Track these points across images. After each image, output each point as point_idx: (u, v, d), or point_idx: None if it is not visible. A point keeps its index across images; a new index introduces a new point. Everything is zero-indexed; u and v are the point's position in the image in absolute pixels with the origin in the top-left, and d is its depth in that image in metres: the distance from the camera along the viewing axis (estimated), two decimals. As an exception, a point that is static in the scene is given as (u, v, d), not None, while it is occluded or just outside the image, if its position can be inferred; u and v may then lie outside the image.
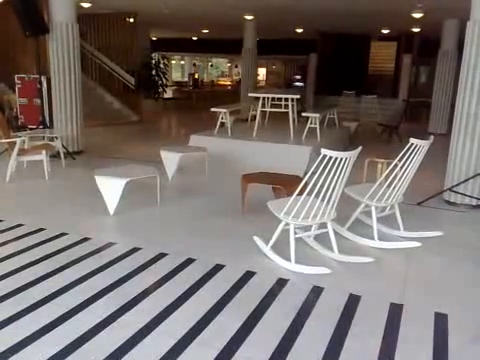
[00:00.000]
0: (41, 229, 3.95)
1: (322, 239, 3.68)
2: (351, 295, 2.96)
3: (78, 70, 7.05)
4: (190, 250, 3.59)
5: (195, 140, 7.15)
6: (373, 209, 3.78)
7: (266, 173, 4.64)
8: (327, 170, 2.99)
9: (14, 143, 5.45)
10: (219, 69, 27.99)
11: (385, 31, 13.67)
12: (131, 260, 3.39)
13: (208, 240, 3.84)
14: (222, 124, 7.44)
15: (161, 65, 16.33)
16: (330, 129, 8.30)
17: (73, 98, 7.01)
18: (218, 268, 3.28)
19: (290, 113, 6.90)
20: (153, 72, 15.41)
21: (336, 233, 3.64)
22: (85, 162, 6.80)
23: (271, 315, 2.70)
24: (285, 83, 22.58)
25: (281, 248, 3.46)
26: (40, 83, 7.68)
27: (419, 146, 3.57)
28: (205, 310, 2.71)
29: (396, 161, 3.64)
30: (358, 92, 12.43)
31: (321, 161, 2.92)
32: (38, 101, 8.30)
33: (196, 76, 23.46)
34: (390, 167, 3.71)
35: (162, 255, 3.48)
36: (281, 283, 3.09)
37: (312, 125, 6.88)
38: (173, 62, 25.04)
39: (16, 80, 8.89)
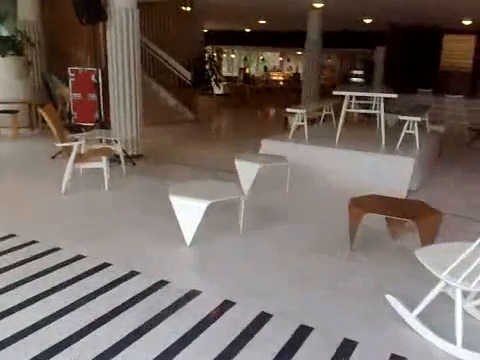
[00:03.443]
0: (107, 264, 3.17)
1: None
2: None
3: (138, 61, 6.27)
4: (301, 311, 2.68)
5: (267, 145, 6.21)
6: None
7: (381, 198, 3.64)
8: None
9: (70, 148, 4.74)
10: (268, 63, 26.88)
11: (467, 22, 12.17)
12: (226, 322, 2.53)
13: (320, 295, 2.89)
14: (287, 126, 6.47)
15: (215, 59, 15.54)
16: (421, 135, 7.12)
17: (133, 94, 6.24)
18: (349, 346, 2.36)
19: (382, 115, 5.83)
20: (207, 66, 14.63)
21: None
22: (147, 169, 6.02)
23: None
24: (341, 78, 21.23)
25: (430, 317, 2.49)
26: (96, 76, 7.00)
27: None
28: None
29: None
30: (433, 91, 11.12)
31: None
32: (93, 96, 7.63)
33: (247, 71, 22.55)
34: None
35: (265, 317, 2.59)
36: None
37: (409, 131, 5.76)
38: (223, 56, 24.20)
39: (69, 72, 8.24)
